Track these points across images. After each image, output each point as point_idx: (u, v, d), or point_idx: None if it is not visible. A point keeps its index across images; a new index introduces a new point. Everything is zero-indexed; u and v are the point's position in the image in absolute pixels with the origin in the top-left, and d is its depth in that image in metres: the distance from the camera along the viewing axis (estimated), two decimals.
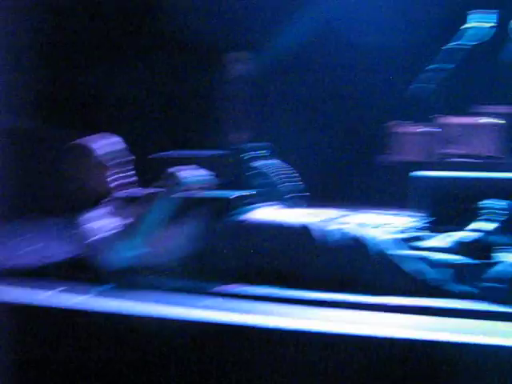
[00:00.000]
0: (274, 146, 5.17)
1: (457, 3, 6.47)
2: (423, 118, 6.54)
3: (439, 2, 6.49)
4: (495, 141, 6.21)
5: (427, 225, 4.88)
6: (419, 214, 5.10)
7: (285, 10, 6.93)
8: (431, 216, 4.87)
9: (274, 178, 4.43)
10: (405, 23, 6.68)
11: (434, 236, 4.02)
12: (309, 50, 6.79)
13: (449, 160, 6.33)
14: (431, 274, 3.45)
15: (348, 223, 3.78)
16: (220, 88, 5.76)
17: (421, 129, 6.51)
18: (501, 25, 5.50)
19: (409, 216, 5.38)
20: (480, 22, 5.50)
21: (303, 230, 3.54)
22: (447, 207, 4.68)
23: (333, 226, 3.64)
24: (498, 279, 3.35)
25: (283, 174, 4.54)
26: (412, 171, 5.14)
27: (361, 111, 6.82)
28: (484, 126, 6.30)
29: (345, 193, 5.99)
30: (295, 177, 4.66)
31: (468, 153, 6.35)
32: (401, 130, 6.60)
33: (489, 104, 6.32)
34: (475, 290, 3.36)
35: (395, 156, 6.49)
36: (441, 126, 6.40)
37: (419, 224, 5.03)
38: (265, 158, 4.53)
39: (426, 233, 4.46)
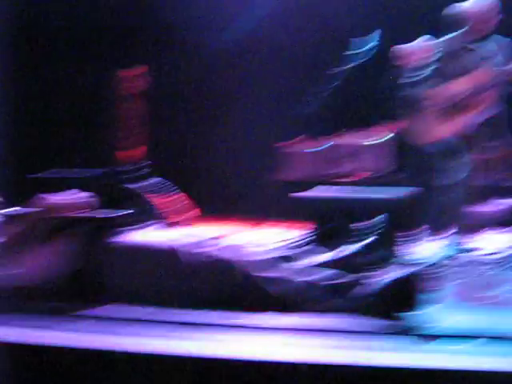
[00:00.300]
0: (158, 164, 5.15)
1: (342, 27, 6.64)
2: (313, 137, 6.66)
3: (325, 26, 6.65)
4: (382, 158, 6.38)
5: (308, 242, 4.97)
6: (302, 232, 5.19)
7: (179, 27, 6.96)
8: (313, 234, 4.97)
9: (152, 199, 4.42)
10: (290, 46, 6.82)
11: (314, 253, 4.10)
12: (198, 70, 6.82)
13: (336, 178, 6.46)
14: (304, 291, 3.51)
15: (225, 243, 3.82)
16: (108, 105, 5.71)
17: (310, 148, 6.62)
18: (383, 49, 5.67)
19: (291, 234, 5.46)
20: (363, 46, 5.65)
21: (173, 253, 3.55)
22: (328, 225, 4.78)
23: (206, 247, 3.66)
24: (371, 295, 3.44)
25: (164, 193, 4.54)
26: (299, 190, 5.23)
27: (252, 130, 6.88)
28: (371, 144, 6.47)
29: (234, 210, 6.03)
30: (178, 196, 4.67)
31: (356, 171, 6.50)
32: (290, 148, 6.69)
33: (375, 123, 6.49)
34: (349, 306, 3.43)
35: (284, 174, 6.58)
36: (329, 144, 6.53)
37: (300, 242, 5.12)
38: (145, 177, 4.52)
39: (306, 250, 4.55)
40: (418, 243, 5.03)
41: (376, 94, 6.15)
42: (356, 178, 6.44)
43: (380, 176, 6.42)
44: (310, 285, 3.55)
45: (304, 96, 6.10)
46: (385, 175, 6.38)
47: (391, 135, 6.13)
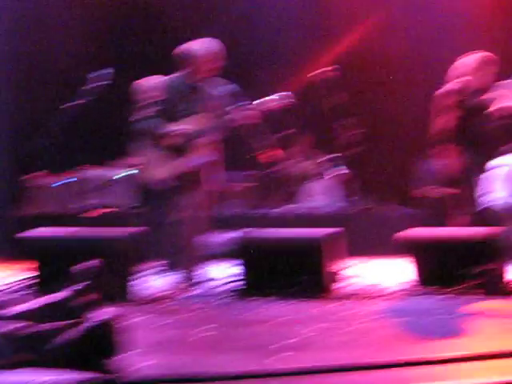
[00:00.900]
0: None
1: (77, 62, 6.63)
2: (57, 170, 6.58)
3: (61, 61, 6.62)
4: (120, 195, 6.40)
5: (25, 286, 4.83)
6: (22, 274, 5.02)
7: None
8: (32, 276, 4.81)
9: None
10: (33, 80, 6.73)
11: (25, 299, 3.94)
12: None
13: (78, 213, 6.41)
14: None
15: None
16: None
17: (51, 182, 6.54)
18: (118, 84, 5.68)
19: (9, 277, 5.26)
20: (99, 81, 5.62)
21: None
22: (48, 267, 4.66)
23: None
24: (72, 344, 3.33)
25: None
26: (30, 227, 5.07)
27: None
28: (110, 180, 6.49)
29: None
30: None
31: (96, 206, 6.47)
32: (36, 182, 6.58)
33: (112, 159, 6.51)
34: (49, 359, 3.30)
35: (30, 208, 6.44)
36: (69, 179, 6.49)
37: (14, 285, 4.95)
38: None
39: (18, 295, 4.40)
40: (148, 280, 5.06)
41: (112, 130, 6.16)
42: (96, 214, 6.43)
43: (118, 212, 6.45)
44: (4, 336, 3.40)
45: (43, 129, 6.01)
46: (122, 211, 6.40)
47: (128, 172, 6.16)
